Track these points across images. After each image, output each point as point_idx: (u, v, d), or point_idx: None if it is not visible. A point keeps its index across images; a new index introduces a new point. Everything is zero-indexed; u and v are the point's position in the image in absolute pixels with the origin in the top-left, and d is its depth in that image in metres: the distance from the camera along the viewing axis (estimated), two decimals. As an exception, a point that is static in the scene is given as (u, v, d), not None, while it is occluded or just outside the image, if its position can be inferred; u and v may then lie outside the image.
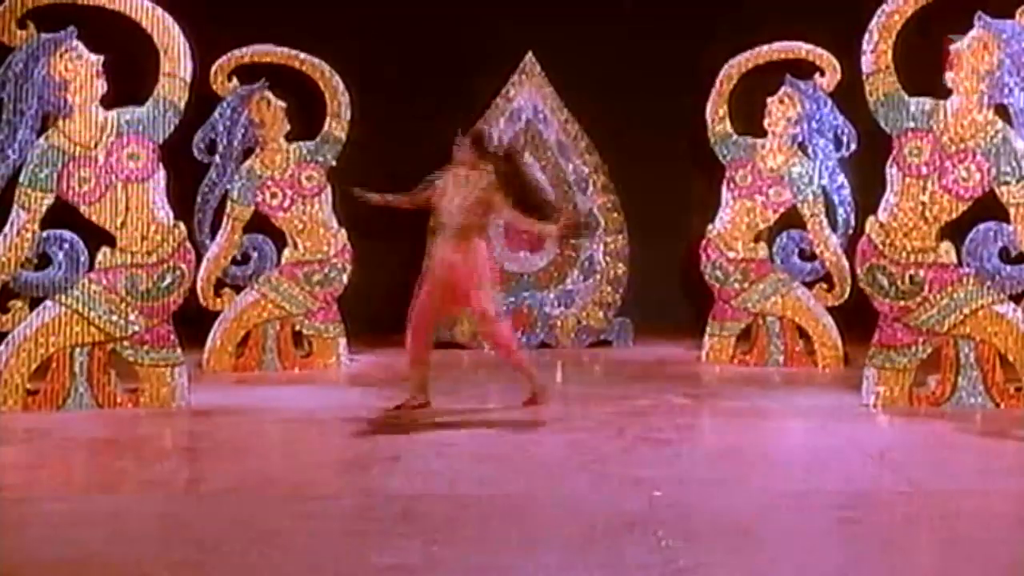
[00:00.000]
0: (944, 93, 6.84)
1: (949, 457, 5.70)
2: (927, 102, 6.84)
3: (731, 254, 9.13)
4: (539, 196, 7.30)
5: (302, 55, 9.10)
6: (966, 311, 6.71)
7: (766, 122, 9.10)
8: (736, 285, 9.13)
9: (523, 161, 7.58)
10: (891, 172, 6.88)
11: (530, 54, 10.48)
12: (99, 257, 6.80)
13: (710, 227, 9.22)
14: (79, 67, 6.80)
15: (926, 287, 6.75)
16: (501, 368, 8.42)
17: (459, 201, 6.72)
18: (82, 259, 6.81)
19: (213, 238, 8.89)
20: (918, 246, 6.79)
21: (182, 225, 7.04)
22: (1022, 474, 5.42)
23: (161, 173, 6.95)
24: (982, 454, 5.80)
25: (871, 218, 6.93)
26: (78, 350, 6.77)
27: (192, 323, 7.85)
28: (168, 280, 6.87)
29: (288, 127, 9.02)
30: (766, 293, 9.07)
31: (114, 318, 6.81)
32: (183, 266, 6.93)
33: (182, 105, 6.99)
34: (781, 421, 6.79)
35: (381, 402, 7.05)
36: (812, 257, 9.06)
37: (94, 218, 6.82)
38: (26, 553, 3.96)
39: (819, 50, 8.98)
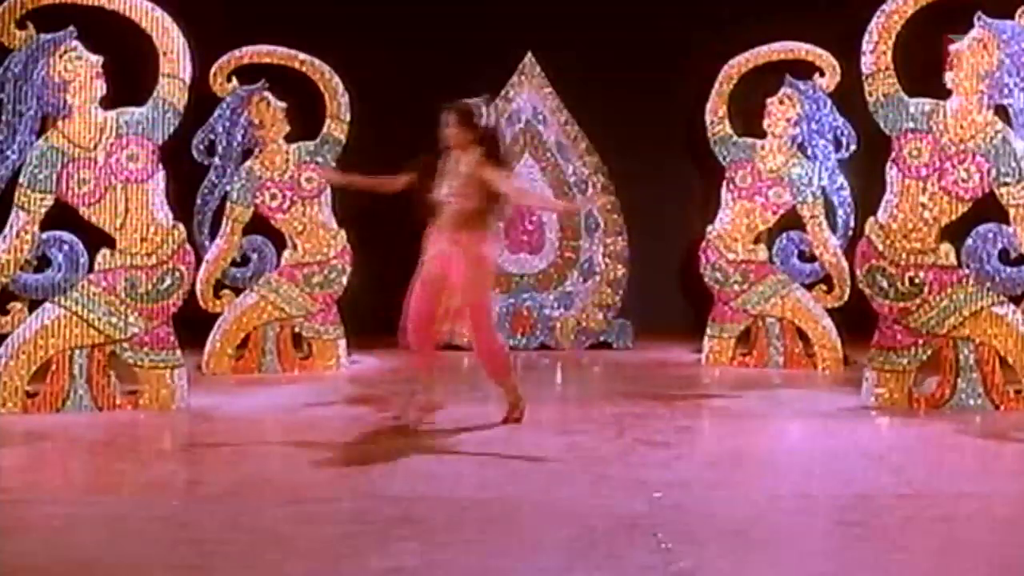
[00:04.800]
0: (944, 93, 6.84)
1: (949, 459, 5.70)
2: (927, 103, 6.84)
3: (730, 255, 9.13)
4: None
5: (302, 56, 9.09)
6: (966, 313, 6.71)
7: (765, 123, 9.11)
8: (736, 287, 9.13)
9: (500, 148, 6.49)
10: (891, 173, 6.89)
11: (529, 54, 10.48)
12: (98, 259, 6.80)
13: (709, 228, 9.22)
14: (79, 68, 6.80)
15: (926, 288, 6.75)
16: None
17: (449, 186, 6.19)
18: (82, 261, 6.81)
19: (213, 240, 8.89)
20: (918, 247, 6.79)
21: (181, 226, 7.04)
22: (1022, 476, 5.41)
23: (161, 174, 6.95)
24: (982, 456, 5.80)
25: (871, 219, 6.93)
26: (78, 352, 6.76)
27: (191, 325, 7.84)
28: (168, 282, 6.87)
29: (288, 128, 9.01)
30: (766, 295, 9.07)
31: (113, 320, 6.80)
32: (183, 268, 6.93)
33: (181, 106, 6.99)
34: (781, 423, 6.79)
35: (381, 404, 7.04)
36: (812, 259, 9.06)
37: (93, 219, 6.82)
38: (25, 556, 3.96)
39: (819, 50, 8.99)
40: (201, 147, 8.81)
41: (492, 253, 6.58)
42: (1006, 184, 6.68)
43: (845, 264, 8.77)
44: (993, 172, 6.69)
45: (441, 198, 6.21)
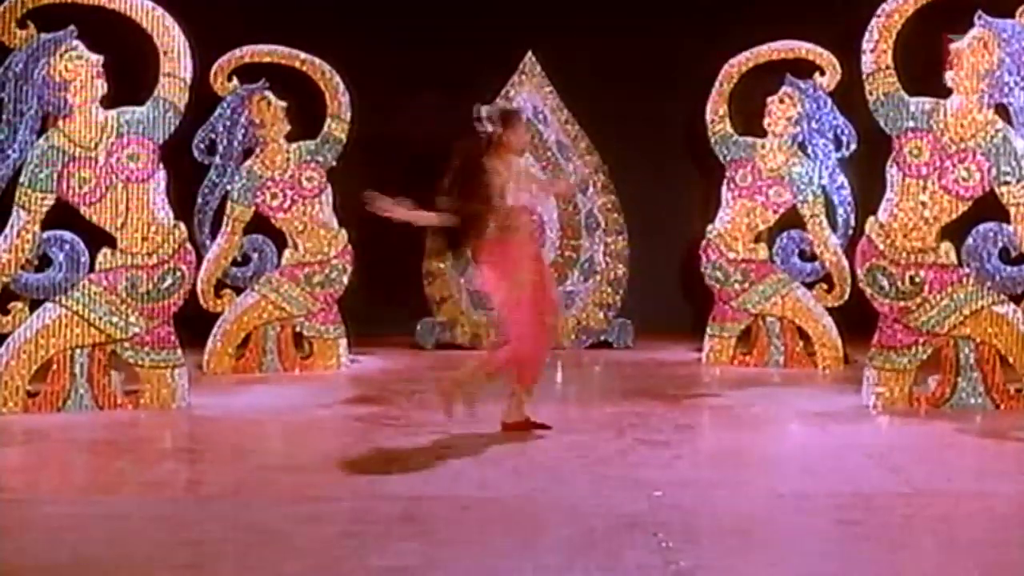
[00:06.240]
0: (944, 93, 6.84)
1: (949, 458, 5.70)
2: (927, 102, 6.84)
3: (731, 255, 9.13)
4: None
5: (302, 55, 9.10)
6: (966, 312, 6.71)
7: (766, 122, 9.11)
8: (736, 286, 9.14)
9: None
10: (891, 172, 6.89)
11: (530, 54, 10.48)
12: (99, 258, 6.80)
13: (710, 228, 9.22)
14: (79, 67, 6.80)
15: (926, 288, 6.75)
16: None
17: (530, 191, 6.04)
18: (82, 260, 6.81)
19: (213, 239, 8.89)
20: (918, 246, 6.79)
21: (182, 226, 7.04)
22: (1022, 476, 5.41)
23: (161, 174, 6.95)
24: (982, 455, 5.80)
25: (871, 218, 6.93)
26: (78, 351, 6.77)
27: (192, 324, 7.85)
28: (168, 281, 6.88)
29: (288, 127, 9.01)
30: (766, 294, 9.07)
31: (114, 319, 6.80)
32: (183, 267, 6.93)
33: (182, 105, 7.00)
34: (781, 422, 6.78)
35: (381, 404, 7.04)
36: (812, 257, 9.07)
37: (94, 219, 6.82)
38: (26, 555, 3.96)
39: (819, 50, 9.00)
40: (202, 146, 8.82)
41: None
42: (1006, 183, 6.67)
43: (845, 263, 8.77)
44: (993, 171, 6.69)
45: (523, 204, 5.97)
